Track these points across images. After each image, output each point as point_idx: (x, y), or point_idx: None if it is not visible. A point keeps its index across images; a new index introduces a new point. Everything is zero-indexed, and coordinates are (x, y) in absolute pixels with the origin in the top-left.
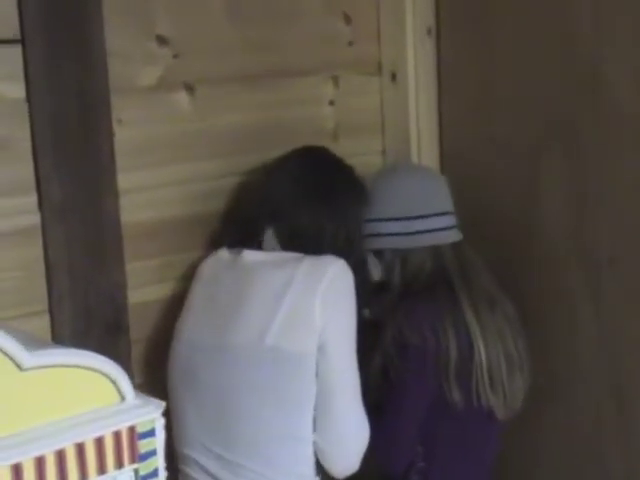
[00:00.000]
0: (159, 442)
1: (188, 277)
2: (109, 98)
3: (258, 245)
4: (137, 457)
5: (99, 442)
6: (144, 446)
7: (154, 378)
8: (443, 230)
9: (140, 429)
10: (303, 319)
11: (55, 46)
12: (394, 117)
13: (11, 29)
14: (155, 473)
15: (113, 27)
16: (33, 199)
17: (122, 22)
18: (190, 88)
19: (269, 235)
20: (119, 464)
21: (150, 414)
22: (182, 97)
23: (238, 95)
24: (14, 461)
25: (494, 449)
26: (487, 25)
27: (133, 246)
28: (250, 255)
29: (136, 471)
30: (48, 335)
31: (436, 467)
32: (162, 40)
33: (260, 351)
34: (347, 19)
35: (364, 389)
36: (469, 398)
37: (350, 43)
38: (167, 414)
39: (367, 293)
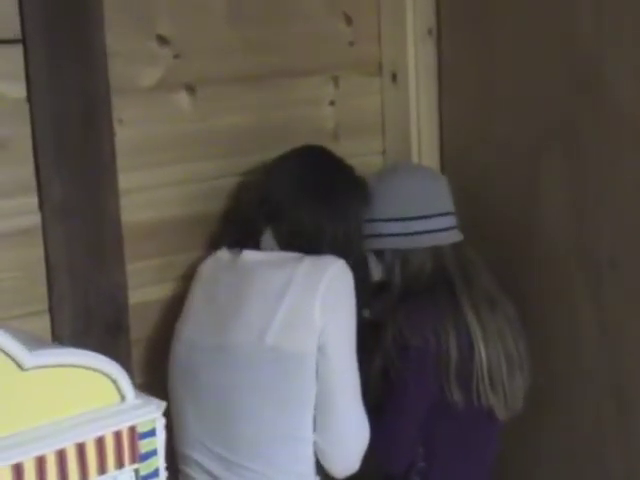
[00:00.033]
0: (160, 442)
1: (188, 277)
2: (110, 98)
3: (256, 245)
4: (138, 457)
5: (100, 442)
6: (145, 446)
7: (154, 378)
8: (443, 231)
9: (141, 429)
10: (303, 319)
11: (56, 46)
12: (395, 117)
13: (12, 29)
14: (156, 473)
15: (114, 27)
16: (34, 199)
17: (123, 22)
18: (191, 88)
19: (267, 235)
20: (120, 464)
21: (151, 414)
22: (183, 97)
23: (239, 95)
24: (15, 461)
25: (494, 449)
26: (487, 25)
27: (133, 246)
28: (250, 255)
29: (137, 471)
30: (48, 335)
31: (436, 467)
32: (163, 40)
33: (260, 351)
34: (348, 19)
35: (364, 389)
36: (469, 398)
37: (351, 43)
38: (167, 414)
39: (367, 293)
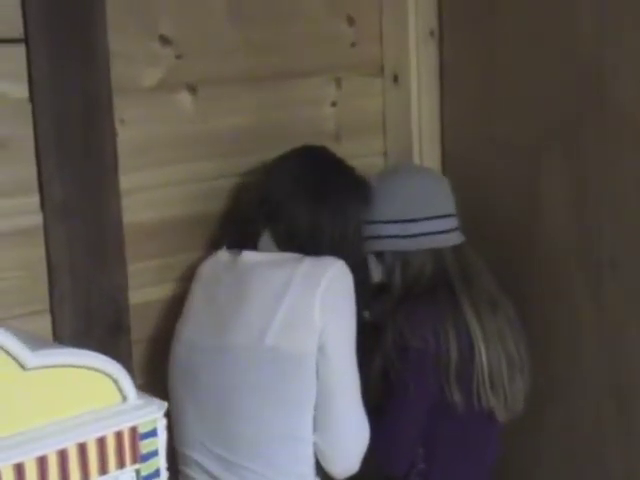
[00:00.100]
0: (161, 442)
1: (188, 278)
2: (112, 98)
3: (254, 247)
4: (139, 457)
5: (101, 442)
6: (146, 446)
7: (155, 378)
8: (444, 233)
9: (142, 429)
10: (303, 319)
11: (58, 46)
12: (396, 118)
13: (15, 29)
14: (157, 473)
15: (116, 27)
16: (36, 199)
17: (125, 22)
18: (192, 89)
19: (265, 237)
20: (121, 464)
21: (152, 414)
22: (184, 97)
23: (240, 96)
24: (16, 461)
25: (495, 450)
26: (488, 26)
27: (134, 246)
28: (249, 256)
29: (138, 471)
30: (49, 335)
31: (437, 468)
32: (165, 40)
33: (260, 351)
34: (350, 20)
35: (364, 391)
36: (470, 400)
37: (353, 44)
38: (167, 414)
39: (367, 295)
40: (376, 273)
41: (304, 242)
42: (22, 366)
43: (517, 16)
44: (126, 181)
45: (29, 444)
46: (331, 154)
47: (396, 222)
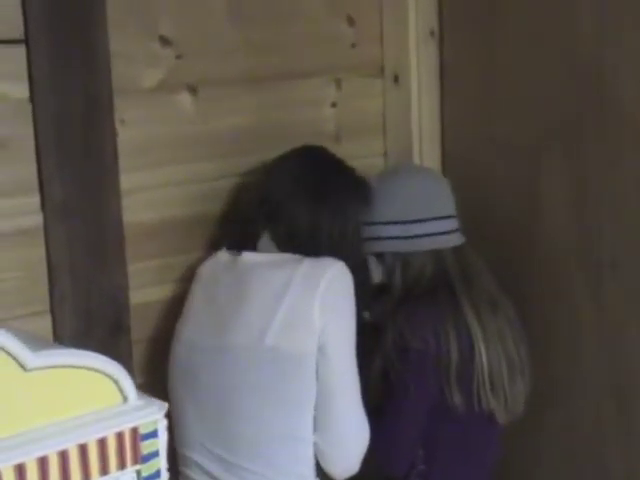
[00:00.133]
0: (162, 443)
1: (188, 278)
2: (112, 99)
3: (254, 247)
4: (140, 458)
5: (102, 443)
6: (147, 447)
7: (155, 378)
8: (444, 234)
9: (143, 430)
10: (302, 320)
11: (59, 46)
12: (396, 119)
13: (15, 29)
14: (157, 474)
15: (116, 28)
16: (36, 199)
17: (125, 23)
18: (193, 89)
19: (265, 238)
20: (122, 465)
21: (153, 415)
22: (185, 98)
23: (240, 97)
24: (17, 461)
25: (495, 452)
26: (489, 27)
27: (134, 247)
28: (249, 256)
29: (138, 472)
30: (49, 335)
31: (437, 470)
32: (165, 41)
33: (260, 351)
34: (350, 21)
35: (364, 391)
36: (470, 401)
37: (353, 45)
38: (167, 415)
39: (367, 295)
40: (376, 274)
41: (304, 242)
42: (23, 367)
43: (517, 16)
44: (126, 181)
45: (30, 445)
46: (331, 154)
47: (396, 223)
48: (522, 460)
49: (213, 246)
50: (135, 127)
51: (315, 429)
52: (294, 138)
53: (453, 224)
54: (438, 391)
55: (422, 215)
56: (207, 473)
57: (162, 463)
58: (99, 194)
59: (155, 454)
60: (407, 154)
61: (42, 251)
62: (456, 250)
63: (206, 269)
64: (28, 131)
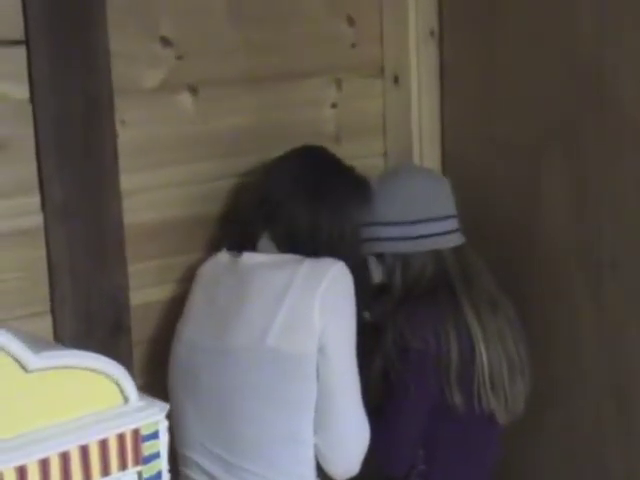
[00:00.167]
0: (163, 444)
1: (189, 279)
2: (112, 99)
3: (254, 247)
4: (141, 459)
5: (103, 444)
6: (148, 448)
7: (155, 379)
8: (444, 234)
9: (144, 431)
10: (302, 321)
11: (59, 47)
12: (396, 119)
13: (16, 30)
14: (159, 475)
15: (117, 28)
16: (36, 200)
17: (126, 23)
18: (193, 89)
19: (265, 239)
20: (123, 466)
21: (154, 416)
22: (185, 98)
23: (241, 97)
24: (18, 463)
25: (495, 452)
26: (489, 27)
27: (135, 247)
28: (250, 257)
29: (140, 473)
30: (50, 336)
31: (437, 470)
32: (166, 41)
33: (261, 352)
34: (350, 21)
35: (364, 392)
36: (470, 401)
37: (353, 45)
38: (168, 416)
39: (368, 296)
40: (376, 274)
41: (303, 242)
42: (24, 368)
43: (517, 16)
44: (127, 182)
45: (31, 446)
46: (330, 154)
47: (396, 224)
48: (522, 460)
49: (213, 247)
50: (136, 127)
51: (315, 430)
52: (294, 138)
53: (453, 224)
54: (438, 391)
55: (422, 215)
56: (207, 474)
57: (163, 464)
58: (99, 195)
59: (156, 455)
60: (407, 154)
61: (42, 252)
62: (456, 250)
63: (206, 270)
64: (28, 132)
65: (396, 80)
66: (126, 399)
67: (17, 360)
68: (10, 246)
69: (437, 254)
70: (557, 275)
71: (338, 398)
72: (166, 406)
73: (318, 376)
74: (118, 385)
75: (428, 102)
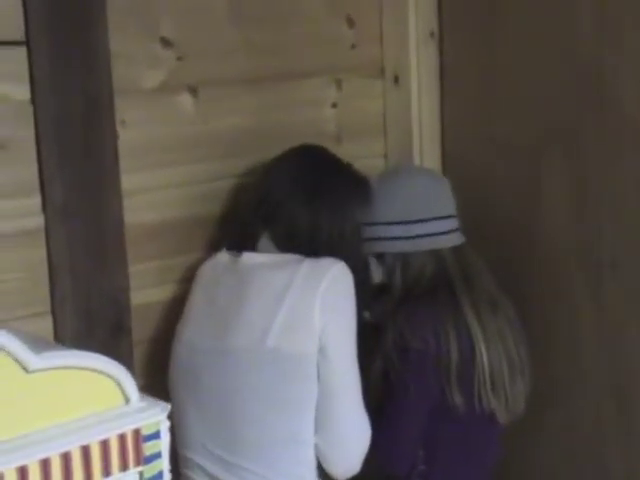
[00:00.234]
0: (164, 445)
1: (189, 279)
2: (113, 100)
3: (253, 248)
4: (142, 460)
5: (104, 444)
6: (149, 449)
7: (156, 379)
8: (444, 234)
9: (145, 431)
10: (303, 320)
11: (60, 48)
12: (396, 120)
13: (16, 31)
14: (160, 476)
15: (117, 29)
16: (37, 201)
17: (126, 24)
18: (193, 90)
19: (265, 240)
20: (124, 466)
21: (155, 416)
22: (185, 99)
23: (241, 97)
24: (19, 464)
25: (495, 452)
26: (488, 27)
27: (135, 248)
28: (250, 257)
29: (141, 474)
30: (50, 336)
31: (437, 470)
32: (166, 42)
33: (261, 353)
34: (350, 22)
35: (365, 392)
36: (470, 401)
37: (353, 46)
38: (169, 416)
39: (368, 296)
40: (377, 274)
41: (303, 242)
42: (25, 368)
43: (517, 16)
44: (127, 182)
45: (32, 447)
46: (330, 153)
47: (397, 223)
48: (522, 460)
49: (213, 247)
50: (136, 128)
51: (316, 430)
52: (295, 139)
53: (453, 224)
54: (438, 391)
55: (423, 215)
56: (208, 475)
57: (164, 464)
58: (100, 195)
59: (157, 455)
60: (407, 154)
61: (43, 252)
62: (456, 250)
63: (206, 270)
64: (29, 132)
65: (396, 80)
66: (127, 399)
67: (18, 360)
68: (11, 247)
69: (437, 254)
70: (557, 275)
71: (339, 398)
72: (167, 406)
73: (319, 376)
74: (119, 385)
75: (428, 102)
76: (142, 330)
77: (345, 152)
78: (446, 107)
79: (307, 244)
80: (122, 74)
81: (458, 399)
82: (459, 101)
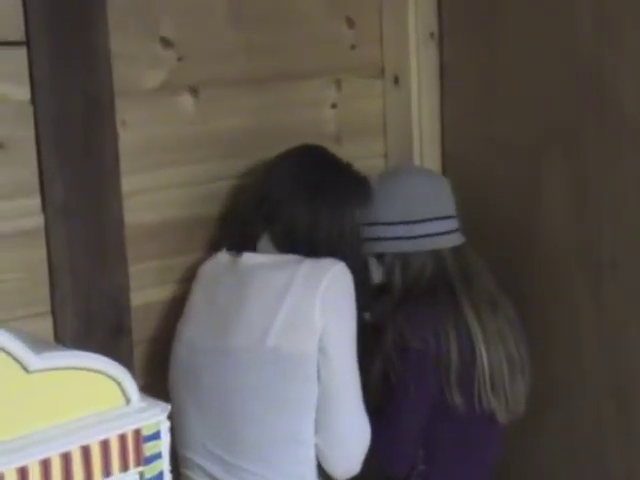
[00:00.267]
0: (164, 445)
1: (189, 279)
2: (113, 100)
3: (254, 248)
4: (142, 460)
5: (105, 445)
6: (149, 449)
7: (156, 380)
8: (444, 234)
9: (146, 432)
10: (303, 320)
11: (60, 48)
12: (396, 120)
13: (16, 31)
14: (160, 476)
15: (117, 29)
16: (37, 201)
17: (127, 24)
18: (194, 91)
19: (264, 240)
20: (124, 467)
21: (156, 417)
22: (186, 100)
23: (241, 98)
24: (20, 464)
25: (495, 452)
26: (488, 27)
27: (135, 248)
28: (250, 257)
29: (141, 474)
30: (50, 337)
31: (437, 470)
32: (166, 42)
33: (261, 353)
34: (350, 23)
35: (365, 392)
36: (470, 401)
37: (353, 46)
38: (169, 416)
39: (368, 296)
40: (376, 274)
41: (303, 242)
42: (25, 369)
43: (517, 16)
44: (127, 183)
45: (32, 447)
46: (330, 153)
47: (396, 224)
48: (522, 460)
49: (213, 247)
50: (136, 128)
51: (316, 430)
52: (295, 139)
53: (453, 224)
54: (438, 391)
55: (422, 215)
56: (208, 475)
57: (165, 465)
58: (100, 195)
59: (158, 456)
60: (407, 155)
61: (43, 252)
62: (455, 249)
63: (207, 270)
64: (29, 133)
65: (396, 81)
66: (127, 400)
67: (18, 361)
68: (11, 247)
69: (437, 254)
70: (557, 275)
71: (339, 398)
72: (167, 406)
73: (319, 376)
74: (119, 386)
75: (428, 102)
76: (142, 330)
77: (345, 152)
78: (446, 107)
79: (307, 244)
80: (122, 74)
81: (458, 399)
82: (459, 101)
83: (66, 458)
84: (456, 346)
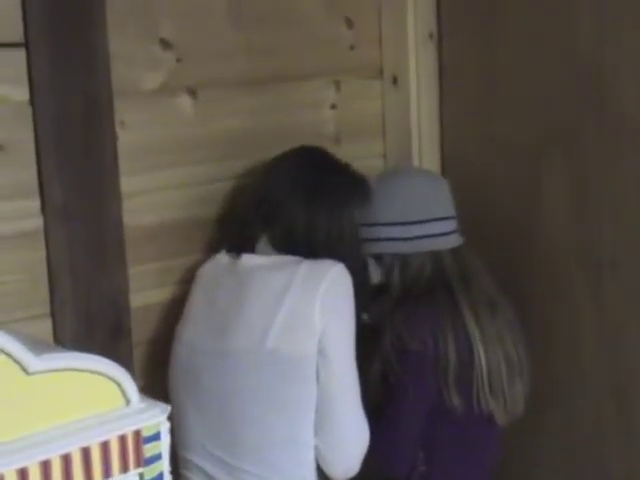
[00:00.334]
0: (164, 446)
1: (188, 280)
2: (112, 101)
3: (252, 249)
4: (142, 461)
5: (105, 446)
6: (149, 450)
7: (155, 381)
8: (443, 235)
9: (145, 433)
10: (302, 322)
11: (59, 49)
12: (395, 121)
13: (15, 32)
14: (160, 477)
15: (116, 30)
16: (36, 202)
17: (126, 25)
18: (193, 92)
19: (263, 242)
20: (124, 468)
21: (156, 418)
22: (185, 101)
23: (240, 99)
24: (20, 465)
25: (494, 453)
26: (488, 28)
27: (135, 249)
28: (249, 259)
29: (141, 475)
30: (50, 338)
31: (437, 471)
32: (165, 44)
33: (261, 354)
34: (349, 23)
35: (364, 393)
36: (469, 403)
37: (352, 47)
38: (169, 417)
39: (366, 297)
40: (375, 275)
41: (301, 243)
42: (25, 370)
43: (517, 16)
44: (126, 184)
45: (32, 448)
46: (329, 154)
47: (396, 224)
48: (522, 460)
49: (213, 249)
50: (135, 130)
51: (315, 431)
52: (294, 140)
53: (452, 225)
54: (437, 393)
55: (422, 216)
56: (208, 476)
57: (165, 466)
58: (99, 196)
59: (158, 457)
60: (406, 155)
61: (42, 254)
62: (454, 250)
63: (206, 271)
64: (28, 134)
65: (395, 81)
66: (127, 401)
67: (18, 362)
68: (10, 248)
69: (435, 254)
70: (557, 275)
71: (338, 400)
72: (167, 407)
73: (318, 378)
74: (119, 387)
75: (427, 103)
76: (142, 331)
77: (344, 153)
78: (445, 107)
79: (306, 245)
80: (121, 75)
81: (456, 401)
82: (459, 101)
83: (66, 459)
84: (454, 347)
